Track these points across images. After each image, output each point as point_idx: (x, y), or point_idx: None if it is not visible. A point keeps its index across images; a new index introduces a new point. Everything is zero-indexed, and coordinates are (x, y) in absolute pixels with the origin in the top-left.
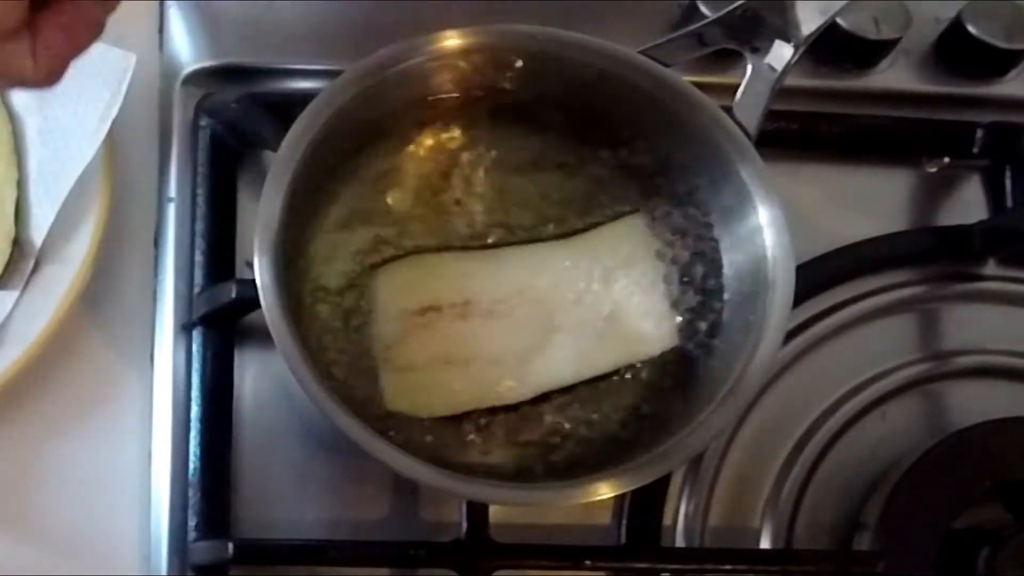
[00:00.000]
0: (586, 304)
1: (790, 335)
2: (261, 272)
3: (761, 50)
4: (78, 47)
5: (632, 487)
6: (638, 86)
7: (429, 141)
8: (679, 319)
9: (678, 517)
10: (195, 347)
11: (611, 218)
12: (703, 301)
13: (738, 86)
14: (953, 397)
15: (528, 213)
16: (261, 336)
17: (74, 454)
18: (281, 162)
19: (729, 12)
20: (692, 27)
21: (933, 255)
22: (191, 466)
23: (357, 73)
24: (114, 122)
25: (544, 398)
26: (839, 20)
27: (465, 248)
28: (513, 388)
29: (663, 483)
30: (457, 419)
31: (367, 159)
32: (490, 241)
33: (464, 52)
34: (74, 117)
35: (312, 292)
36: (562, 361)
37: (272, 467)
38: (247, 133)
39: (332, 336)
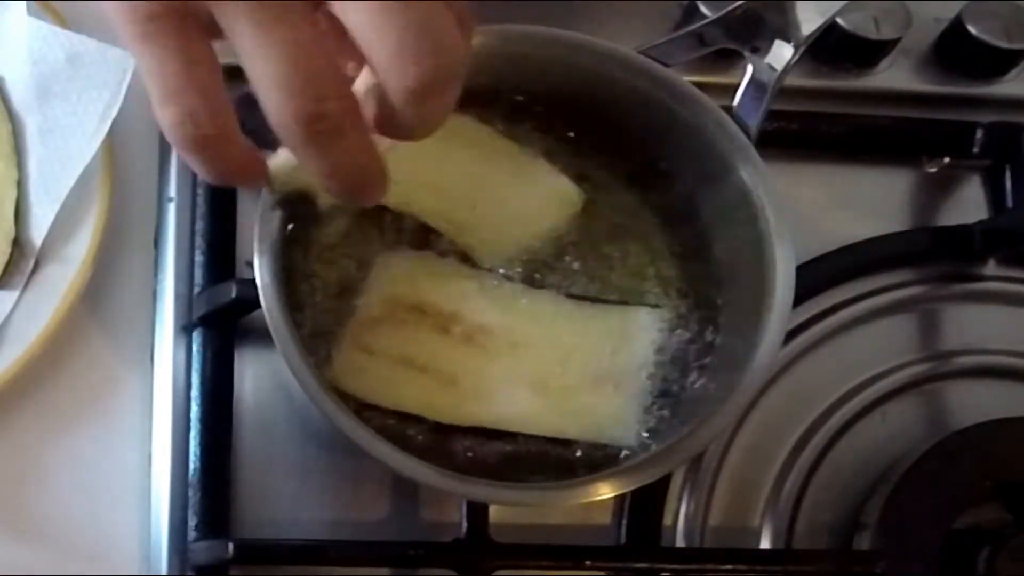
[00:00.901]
0: (564, 369)
1: (790, 335)
2: (261, 272)
3: (761, 50)
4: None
5: (632, 487)
6: (638, 86)
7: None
8: (645, 427)
9: (678, 517)
10: (195, 347)
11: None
12: (704, 300)
13: (738, 86)
14: (953, 397)
15: None
16: (261, 336)
17: (74, 454)
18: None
19: (729, 12)
20: (692, 27)
21: (933, 255)
22: (191, 466)
23: None
24: (114, 122)
25: None
26: (839, 20)
27: (475, 267)
28: (455, 413)
29: (663, 483)
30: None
31: None
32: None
33: None
34: (74, 117)
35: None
36: (513, 408)
37: (272, 467)
38: (247, 133)
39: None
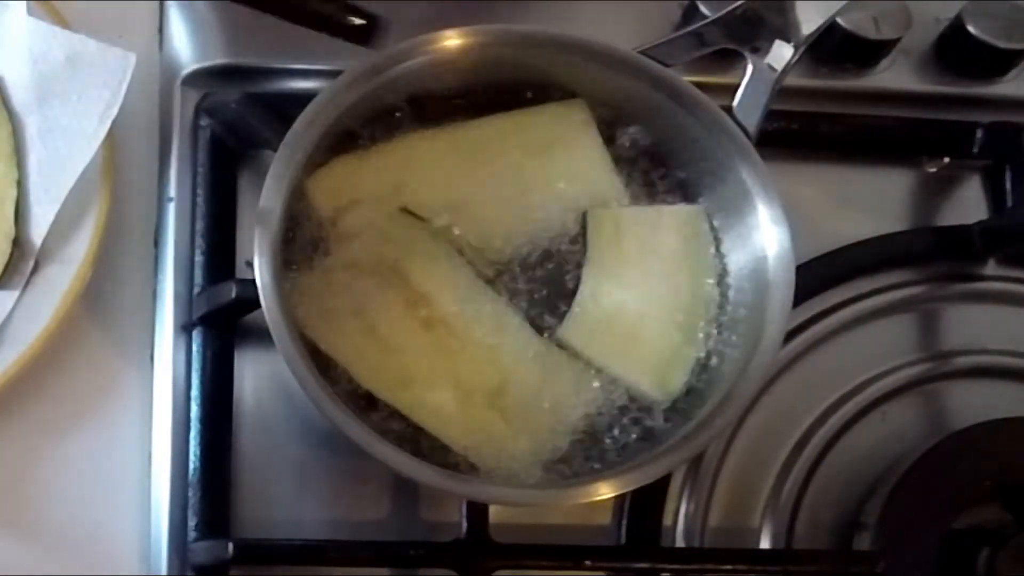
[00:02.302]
0: (496, 394)
1: (790, 335)
2: (261, 272)
3: (761, 50)
4: None
5: (632, 487)
6: (638, 86)
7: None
8: (539, 479)
9: (678, 517)
10: (195, 347)
11: None
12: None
13: (738, 86)
14: (953, 397)
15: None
16: (261, 336)
17: (74, 454)
18: (281, 162)
19: (729, 12)
20: (692, 27)
21: (933, 255)
22: (191, 466)
23: (357, 73)
24: (114, 122)
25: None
26: (839, 20)
27: (478, 271)
28: (376, 382)
29: (663, 483)
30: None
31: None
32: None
33: (464, 52)
34: (74, 117)
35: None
36: (429, 403)
37: (272, 467)
38: (247, 133)
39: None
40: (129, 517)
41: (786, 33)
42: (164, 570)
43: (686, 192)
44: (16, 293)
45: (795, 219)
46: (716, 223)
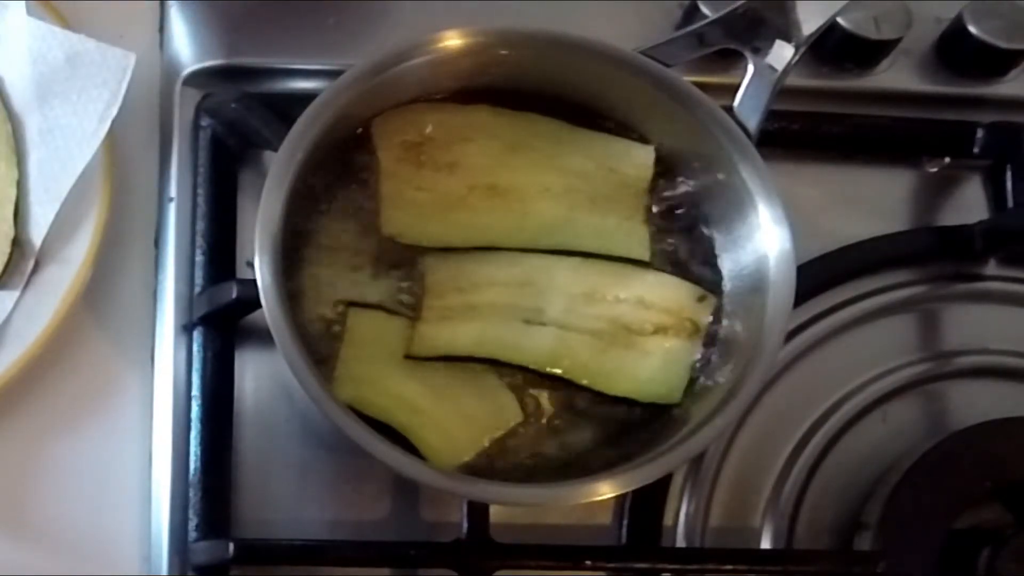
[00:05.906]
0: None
1: (790, 335)
2: (261, 272)
3: (762, 50)
4: None
5: (632, 487)
6: (638, 86)
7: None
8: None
9: (678, 517)
10: (195, 347)
11: None
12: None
13: (738, 86)
14: (953, 397)
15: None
16: (261, 336)
17: (74, 454)
18: (281, 162)
19: (730, 12)
20: (693, 27)
21: (933, 255)
22: (191, 466)
23: (357, 73)
24: (114, 122)
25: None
26: (839, 20)
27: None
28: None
29: (663, 483)
30: None
31: (367, 159)
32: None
33: (464, 52)
34: (74, 117)
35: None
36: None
37: (272, 467)
38: (247, 133)
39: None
40: (129, 517)
41: (787, 33)
42: (164, 570)
43: (686, 191)
44: (16, 293)
45: (796, 219)
46: (716, 223)
